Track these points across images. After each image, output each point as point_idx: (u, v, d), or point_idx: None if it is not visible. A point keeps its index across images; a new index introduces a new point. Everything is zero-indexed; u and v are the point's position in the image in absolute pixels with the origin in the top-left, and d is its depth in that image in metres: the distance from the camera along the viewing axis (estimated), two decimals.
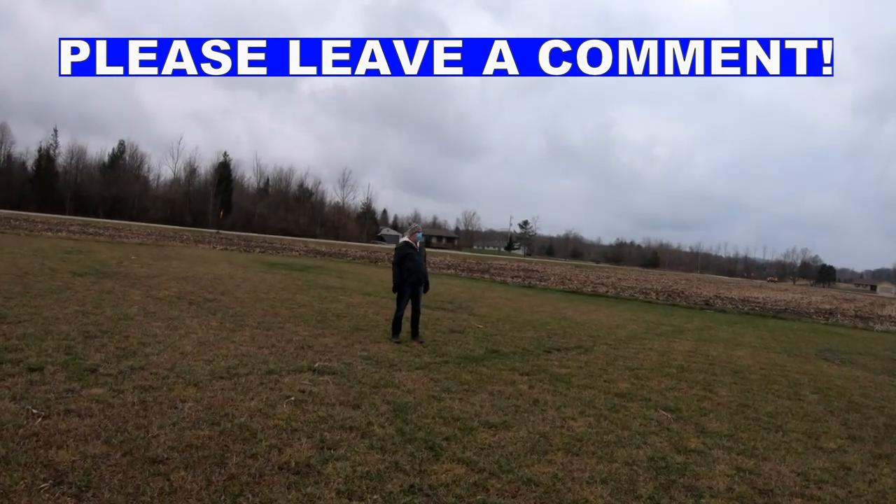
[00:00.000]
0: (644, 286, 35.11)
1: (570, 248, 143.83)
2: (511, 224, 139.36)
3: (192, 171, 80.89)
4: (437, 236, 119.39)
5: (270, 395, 5.03)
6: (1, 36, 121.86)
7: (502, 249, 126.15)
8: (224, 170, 79.13)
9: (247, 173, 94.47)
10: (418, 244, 8.52)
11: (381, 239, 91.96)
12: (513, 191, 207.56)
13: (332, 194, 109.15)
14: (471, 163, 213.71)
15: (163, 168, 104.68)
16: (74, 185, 69.11)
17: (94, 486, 3.15)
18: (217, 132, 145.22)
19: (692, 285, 44.41)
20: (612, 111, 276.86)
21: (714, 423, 5.57)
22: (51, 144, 69.47)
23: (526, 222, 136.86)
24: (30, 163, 69.48)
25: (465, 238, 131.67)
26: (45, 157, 68.21)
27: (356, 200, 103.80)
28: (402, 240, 8.64)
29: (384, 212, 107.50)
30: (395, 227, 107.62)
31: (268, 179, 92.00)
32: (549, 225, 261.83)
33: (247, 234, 60.39)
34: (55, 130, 71.39)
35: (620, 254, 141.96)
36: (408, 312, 8.52)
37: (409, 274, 8.33)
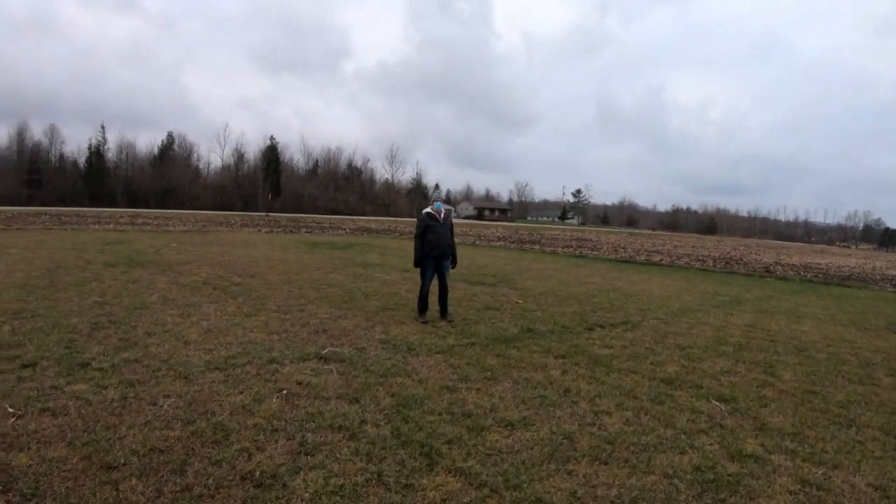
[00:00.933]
0: (700, 253, 33.14)
1: (626, 215, 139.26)
2: (564, 193, 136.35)
3: (240, 156, 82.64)
4: (490, 208, 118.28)
5: (262, 387, 4.56)
6: (45, 38, 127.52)
7: (556, 219, 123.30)
8: (272, 153, 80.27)
9: (295, 156, 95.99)
10: (441, 215, 7.86)
11: None
12: (565, 160, 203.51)
13: (382, 171, 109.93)
14: (521, 133, 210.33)
15: (212, 156, 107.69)
16: (125, 178, 71.32)
17: (40, 494, 2.87)
18: (263, 118, 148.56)
19: (751, 251, 41.73)
20: (661, 75, 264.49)
21: (776, 417, 4.68)
22: (100, 141, 71.90)
23: (579, 191, 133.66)
24: (81, 160, 72.26)
25: (519, 209, 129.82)
26: (95, 154, 70.51)
27: (406, 176, 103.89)
28: (424, 211, 8.01)
29: (436, 186, 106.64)
30: (447, 200, 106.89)
31: (316, 160, 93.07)
32: (603, 193, 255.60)
33: (296, 215, 61.21)
34: (102, 127, 73.39)
35: (677, 220, 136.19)
36: (435, 289, 7.94)
37: (432, 248, 7.71)
